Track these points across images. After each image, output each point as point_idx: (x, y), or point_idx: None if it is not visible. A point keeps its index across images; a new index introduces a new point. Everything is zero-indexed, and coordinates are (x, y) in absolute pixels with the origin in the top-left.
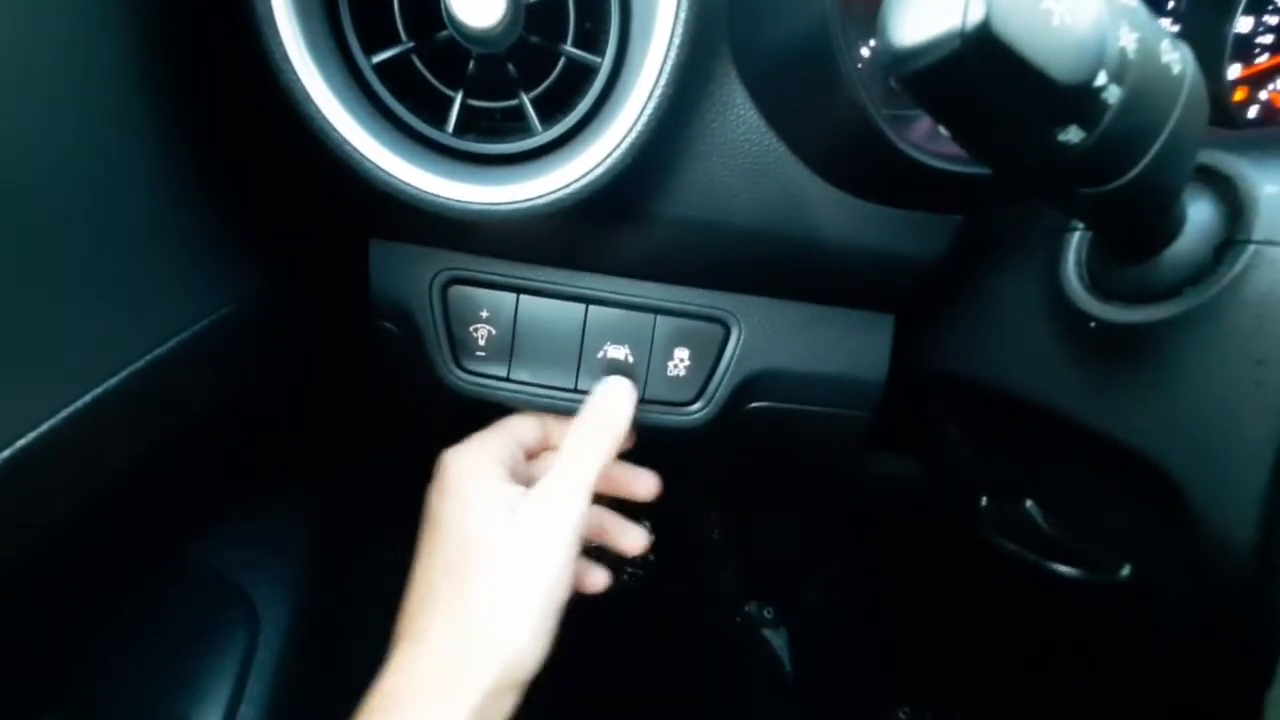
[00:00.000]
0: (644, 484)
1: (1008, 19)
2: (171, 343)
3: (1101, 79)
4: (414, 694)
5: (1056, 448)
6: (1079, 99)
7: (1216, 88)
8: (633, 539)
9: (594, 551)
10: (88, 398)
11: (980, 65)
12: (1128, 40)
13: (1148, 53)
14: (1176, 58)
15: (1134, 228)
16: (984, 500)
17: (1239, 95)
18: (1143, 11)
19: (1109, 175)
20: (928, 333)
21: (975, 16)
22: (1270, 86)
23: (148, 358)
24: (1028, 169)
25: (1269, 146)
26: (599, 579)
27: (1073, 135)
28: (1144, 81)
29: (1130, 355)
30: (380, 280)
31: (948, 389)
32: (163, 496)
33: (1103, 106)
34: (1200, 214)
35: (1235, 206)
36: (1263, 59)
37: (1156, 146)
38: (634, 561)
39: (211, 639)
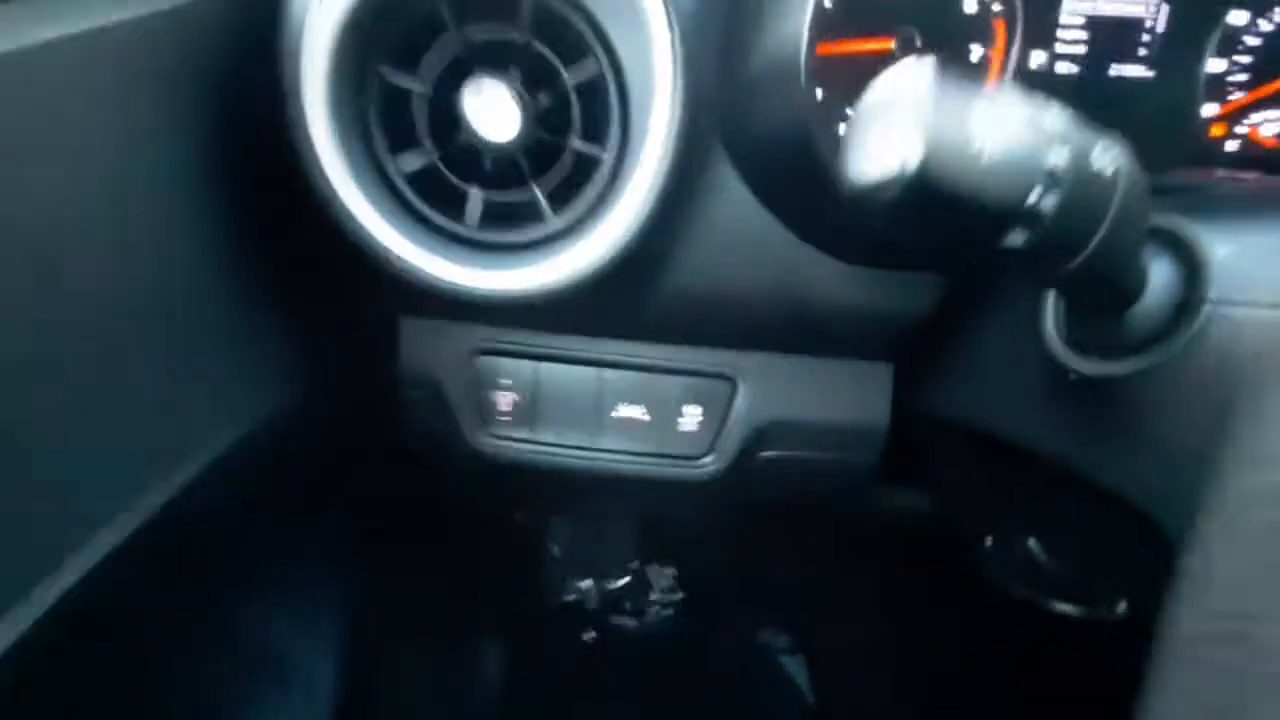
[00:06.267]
0: None
1: (940, 162)
2: (229, 441)
3: (1034, 197)
4: None
5: (1053, 489)
6: (1016, 215)
7: (1193, 127)
8: None
9: (619, 595)
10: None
11: (923, 199)
12: (1056, 159)
13: (1078, 165)
14: (1109, 160)
15: (1094, 295)
16: (988, 540)
17: (1217, 131)
18: (1071, 127)
19: (1056, 264)
20: (925, 380)
21: (912, 163)
22: (1247, 121)
23: (212, 456)
24: (983, 265)
25: (1220, 209)
26: None
27: (1016, 239)
28: (1077, 190)
29: (1107, 405)
30: (410, 354)
31: (948, 433)
32: (211, 569)
33: (1039, 215)
34: (1161, 274)
35: (1192, 268)
36: (1237, 96)
37: (1098, 238)
38: (658, 603)
39: (259, 704)
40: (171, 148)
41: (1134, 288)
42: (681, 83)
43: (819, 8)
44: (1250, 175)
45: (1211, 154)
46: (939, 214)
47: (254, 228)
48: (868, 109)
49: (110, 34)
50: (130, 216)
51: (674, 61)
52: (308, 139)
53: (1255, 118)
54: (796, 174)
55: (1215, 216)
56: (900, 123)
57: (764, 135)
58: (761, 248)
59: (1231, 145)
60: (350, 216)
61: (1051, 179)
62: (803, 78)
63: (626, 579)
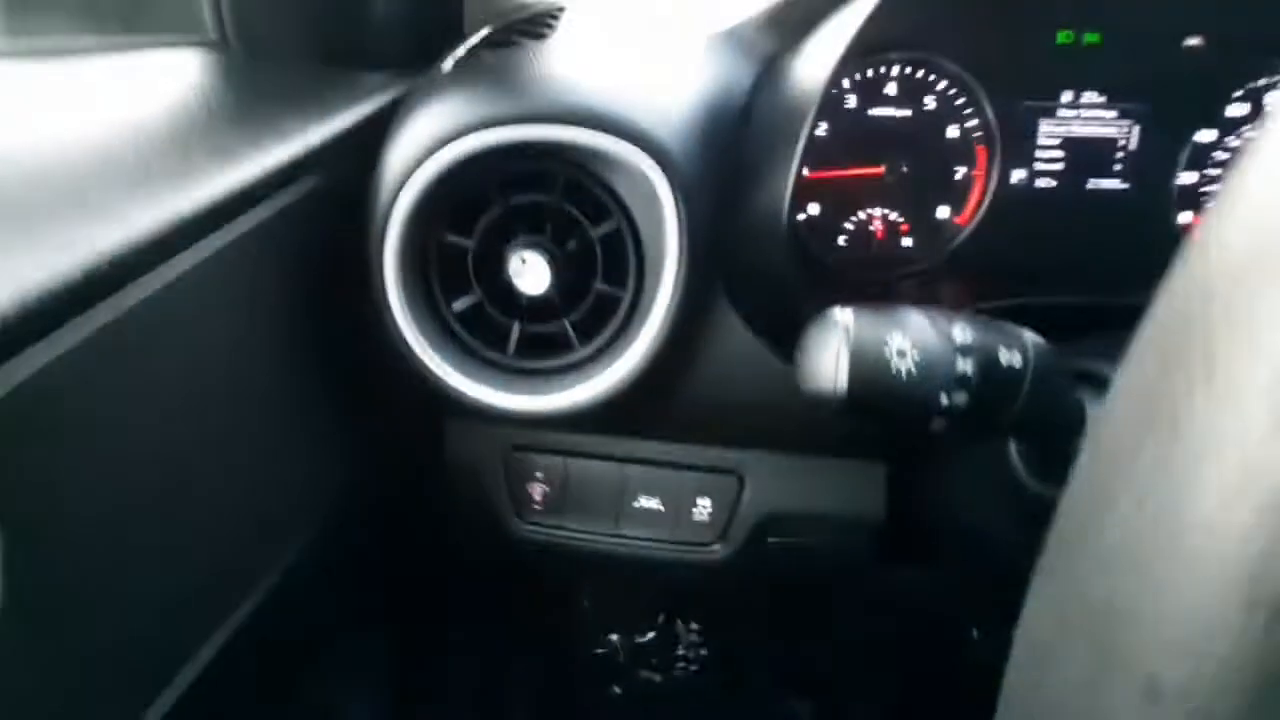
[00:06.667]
0: None
1: (863, 384)
2: (315, 527)
3: (945, 400)
4: None
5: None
6: (934, 410)
7: (1171, 235)
8: None
9: (645, 649)
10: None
11: (854, 408)
12: (963, 365)
13: (985, 365)
14: (1015, 355)
15: (1034, 438)
16: (975, 632)
17: None
18: (977, 333)
19: (981, 434)
20: (915, 480)
21: (841, 386)
22: None
23: (303, 542)
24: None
25: None
26: None
27: (938, 425)
28: (986, 386)
29: None
30: (454, 451)
31: (939, 528)
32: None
33: (955, 409)
34: (1097, 410)
35: None
36: (1211, 206)
37: (1014, 411)
38: (685, 658)
39: None
40: (273, 307)
41: (1071, 427)
42: (686, 239)
43: (811, 141)
44: None
45: None
46: (871, 415)
47: (335, 358)
48: (811, 336)
49: (237, 243)
50: (245, 361)
51: (679, 223)
52: (383, 293)
53: None
54: (776, 313)
55: None
56: (831, 353)
57: (750, 280)
58: (757, 367)
59: None
60: (411, 350)
61: (962, 381)
62: (784, 231)
63: (653, 634)
